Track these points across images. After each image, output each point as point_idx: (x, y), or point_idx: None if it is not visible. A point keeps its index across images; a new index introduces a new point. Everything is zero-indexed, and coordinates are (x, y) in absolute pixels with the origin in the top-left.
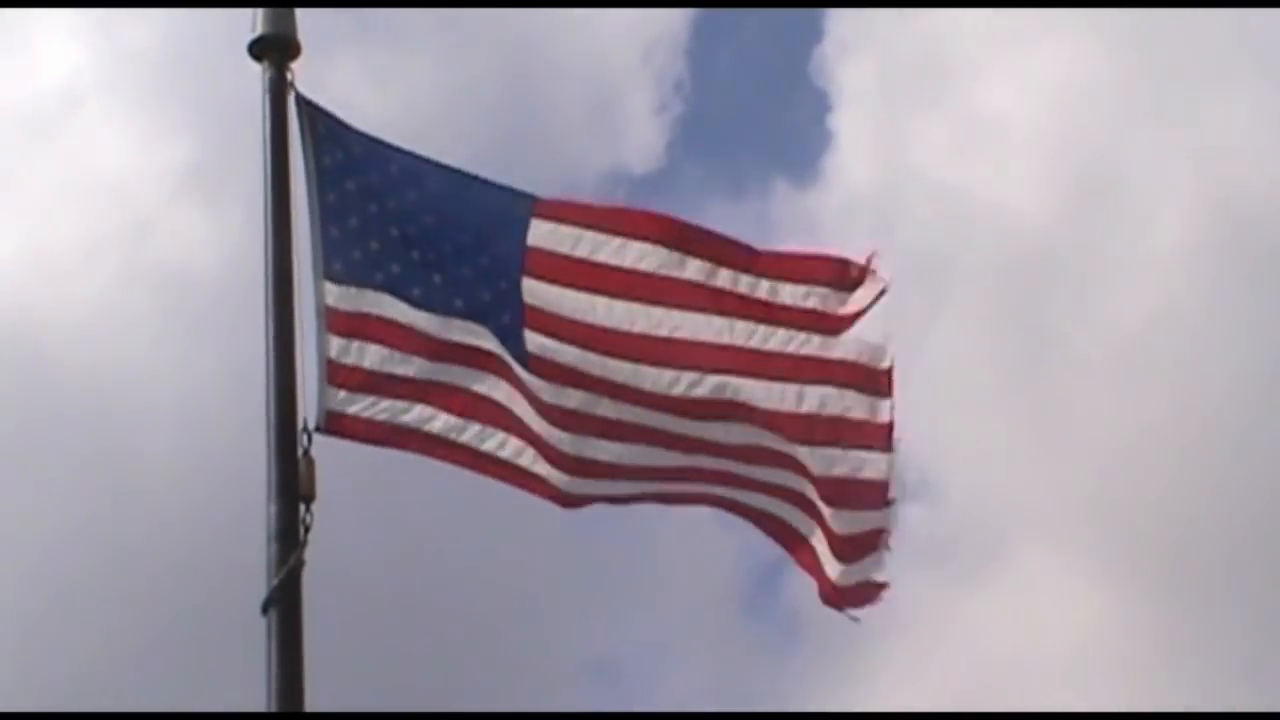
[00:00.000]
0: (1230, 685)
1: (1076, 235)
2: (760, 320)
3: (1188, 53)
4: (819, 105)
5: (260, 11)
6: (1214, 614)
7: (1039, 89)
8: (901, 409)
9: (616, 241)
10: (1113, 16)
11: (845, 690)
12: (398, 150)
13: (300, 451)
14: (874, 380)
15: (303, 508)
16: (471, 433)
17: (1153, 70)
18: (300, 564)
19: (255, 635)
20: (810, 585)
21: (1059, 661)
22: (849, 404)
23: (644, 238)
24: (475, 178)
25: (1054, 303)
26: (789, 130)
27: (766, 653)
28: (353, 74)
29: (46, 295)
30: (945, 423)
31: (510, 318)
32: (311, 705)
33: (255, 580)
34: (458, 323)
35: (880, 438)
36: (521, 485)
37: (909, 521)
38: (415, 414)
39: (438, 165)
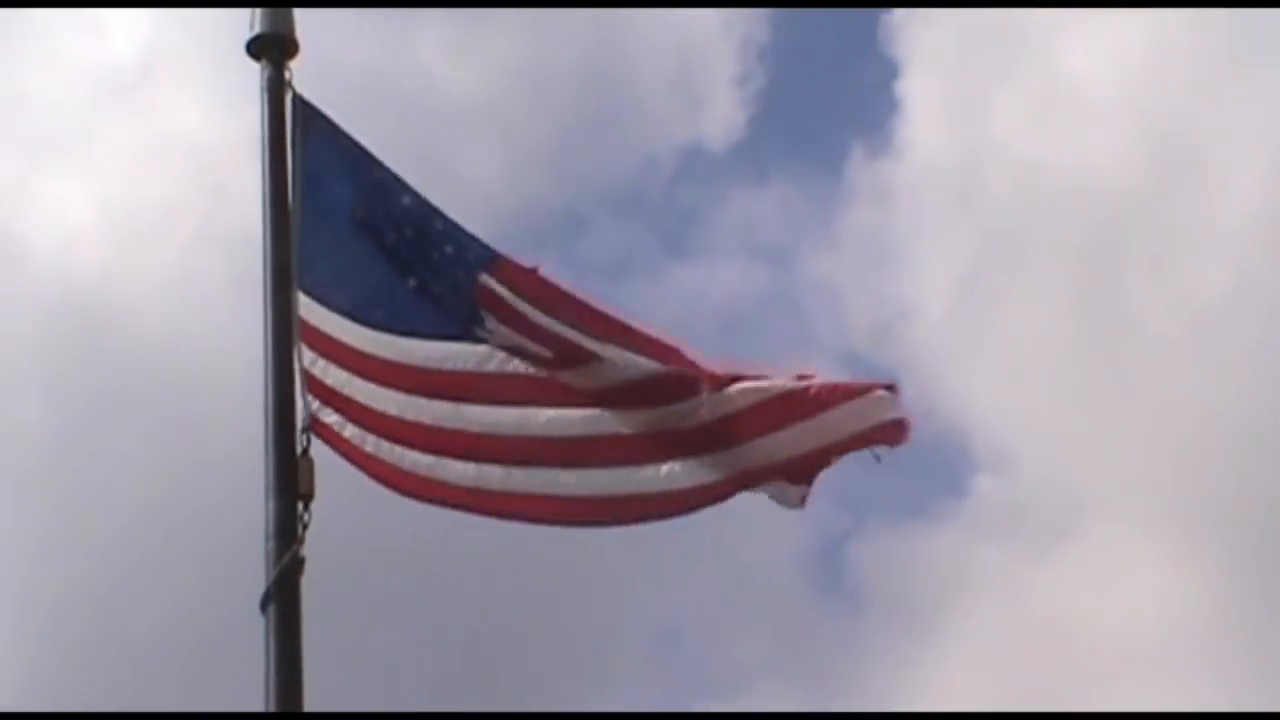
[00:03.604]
0: None
1: (1154, 207)
2: None
3: (1269, 21)
4: (896, 73)
5: (258, 10)
6: None
7: (1117, 56)
8: (977, 381)
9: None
10: None
11: (912, 662)
12: (380, 164)
13: (299, 449)
14: None
15: (300, 505)
16: (422, 461)
17: (1233, 39)
18: (299, 561)
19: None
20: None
21: (1131, 635)
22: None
23: (590, 333)
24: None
25: (1131, 275)
26: (867, 99)
27: (833, 624)
28: (433, 47)
29: (121, 260)
30: (1021, 394)
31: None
32: (314, 701)
33: (314, 553)
34: (416, 344)
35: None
36: (480, 509)
37: (983, 491)
38: (369, 439)
39: (412, 192)
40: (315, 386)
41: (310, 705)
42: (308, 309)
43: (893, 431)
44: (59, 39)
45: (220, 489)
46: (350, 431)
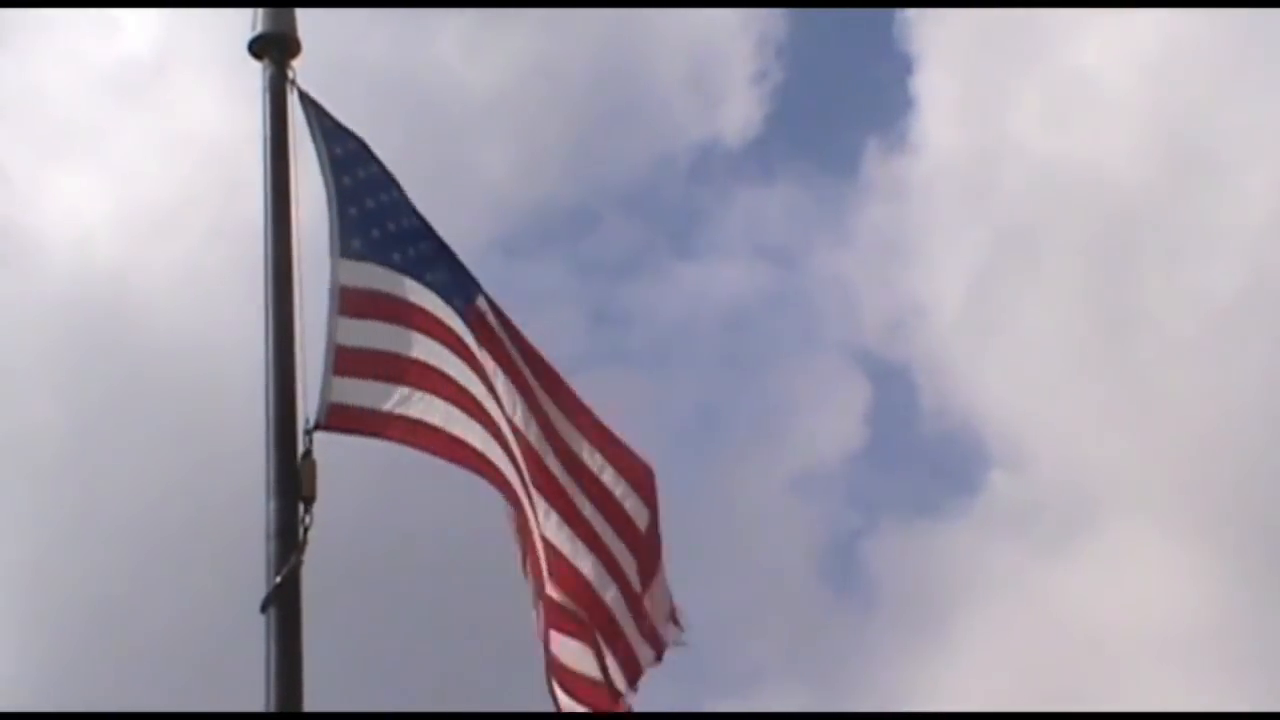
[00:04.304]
0: None
1: (1169, 204)
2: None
3: None
4: (912, 69)
5: (260, 10)
6: None
7: (1132, 53)
8: (991, 377)
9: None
10: None
11: (925, 658)
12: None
13: (301, 452)
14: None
15: (301, 508)
16: (458, 420)
17: (1248, 37)
18: (299, 563)
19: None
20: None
21: (1144, 632)
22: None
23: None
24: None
25: (1145, 273)
26: (882, 96)
27: (845, 621)
28: (450, 44)
29: (136, 255)
30: (1035, 391)
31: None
32: (314, 701)
33: (325, 551)
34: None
35: None
36: (492, 480)
37: (996, 487)
38: (417, 403)
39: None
40: (351, 361)
41: (311, 705)
42: (354, 273)
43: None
44: (74, 36)
45: (233, 486)
46: (391, 401)
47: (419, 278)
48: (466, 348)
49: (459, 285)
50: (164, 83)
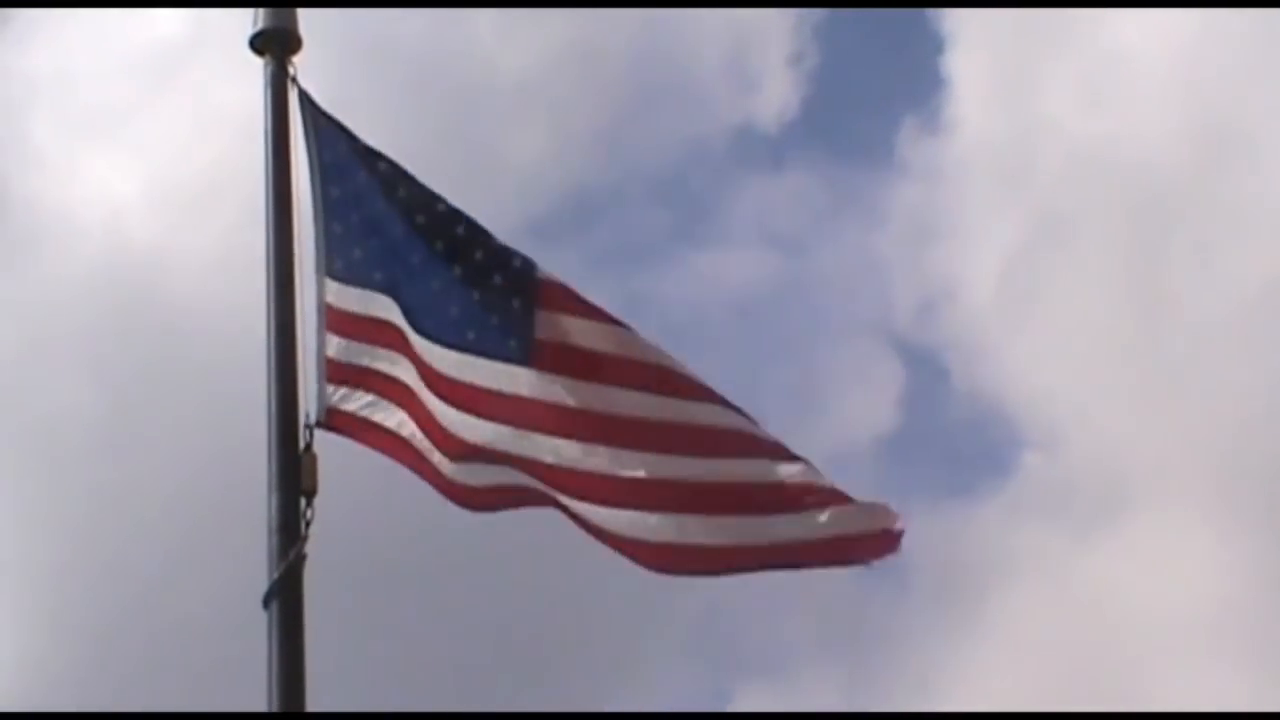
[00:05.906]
0: None
1: (1203, 188)
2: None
3: None
4: (946, 49)
5: (261, 7)
6: None
7: (1168, 33)
8: (1024, 359)
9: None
10: None
11: (955, 641)
12: (387, 159)
13: (302, 445)
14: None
15: (303, 502)
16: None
17: None
18: (301, 558)
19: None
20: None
21: (1175, 618)
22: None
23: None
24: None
25: (1180, 256)
26: (917, 76)
27: (876, 603)
28: (484, 26)
29: (167, 236)
30: (1067, 373)
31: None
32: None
33: (351, 538)
34: (439, 350)
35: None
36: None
37: (1028, 468)
38: (406, 424)
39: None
40: (342, 373)
41: (316, 702)
42: (339, 294)
43: (881, 544)
44: (104, 15)
45: (265, 470)
46: (383, 414)
47: (398, 298)
48: (459, 385)
49: (451, 303)
50: (195, 63)
